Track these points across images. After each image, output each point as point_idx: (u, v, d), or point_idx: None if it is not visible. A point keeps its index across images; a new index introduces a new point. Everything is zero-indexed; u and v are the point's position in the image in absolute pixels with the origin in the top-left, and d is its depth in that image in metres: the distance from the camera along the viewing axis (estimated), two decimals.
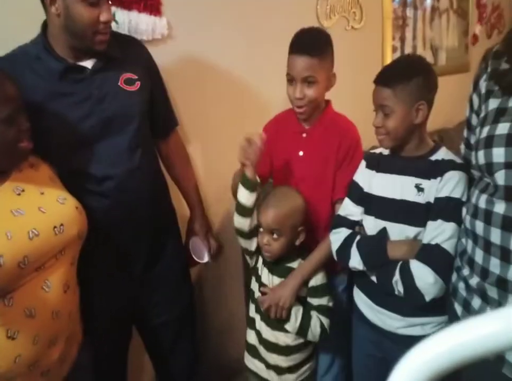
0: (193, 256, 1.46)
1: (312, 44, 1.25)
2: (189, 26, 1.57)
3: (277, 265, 1.31)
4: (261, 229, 1.27)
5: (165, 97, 1.37)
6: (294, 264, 1.29)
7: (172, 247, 1.38)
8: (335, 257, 1.22)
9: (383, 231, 1.12)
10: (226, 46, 1.68)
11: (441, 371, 0.33)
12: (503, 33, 3.46)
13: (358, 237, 1.16)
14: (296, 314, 1.24)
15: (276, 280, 1.30)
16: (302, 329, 1.24)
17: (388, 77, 1.09)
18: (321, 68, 1.25)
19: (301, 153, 1.36)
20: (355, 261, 1.14)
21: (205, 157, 1.67)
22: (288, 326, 1.25)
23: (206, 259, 1.47)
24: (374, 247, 1.11)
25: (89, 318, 1.17)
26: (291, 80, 1.27)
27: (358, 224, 1.21)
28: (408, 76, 1.06)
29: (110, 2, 1.12)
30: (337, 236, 1.20)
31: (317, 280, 1.28)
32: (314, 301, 1.28)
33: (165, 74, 1.36)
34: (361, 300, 1.25)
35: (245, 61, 1.75)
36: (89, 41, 1.08)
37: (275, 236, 1.24)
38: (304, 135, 1.36)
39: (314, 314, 1.26)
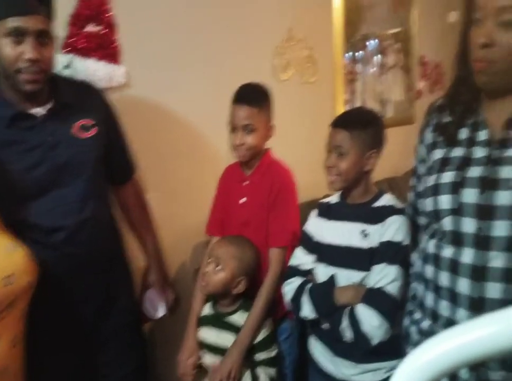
0: (147, 312, 1.42)
1: (252, 95, 1.37)
2: (147, 74, 1.62)
3: (217, 319, 1.34)
4: (209, 259, 1.32)
5: (124, 143, 1.39)
6: (234, 317, 1.32)
7: (125, 302, 1.33)
8: (288, 308, 1.25)
9: (331, 278, 1.17)
10: (184, 95, 1.75)
11: (442, 373, 0.34)
12: (444, 88, 3.81)
13: (309, 286, 1.20)
14: (246, 379, 1.27)
15: (214, 333, 1.33)
16: None
17: (346, 121, 1.19)
18: (259, 117, 1.36)
19: (243, 200, 1.44)
20: (307, 310, 1.17)
21: (163, 205, 1.68)
22: None
23: (160, 314, 1.44)
24: (323, 295, 1.16)
25: (33, 376, 1.11)
26: (233, 128, 1.37)
27: (310, 272, 1.25)
28: (364, 124, 1.17)
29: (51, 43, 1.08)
30: (290, 287, 1.24)
31: (261, 334, 1.31)
32: (260, 355, 1.30)
33: (123, 121, 1.40)
34: (317, 349, 1.27)
35: (203, 110, 1.82)
36: (14, 80, 1.05)
37: (218, 267, 1.29)
38: (245, 183, 1.45)
39: (261, 371, 1.28)
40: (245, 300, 1.35)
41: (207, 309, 1.40)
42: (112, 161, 1.31)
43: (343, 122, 1.19)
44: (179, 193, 1.75)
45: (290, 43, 2.19)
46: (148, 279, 1.45)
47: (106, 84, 1.48)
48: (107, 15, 1.49)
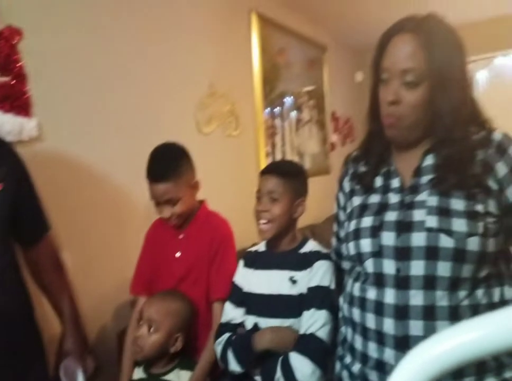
0: None
1: (165, 169, 1.33)
2: (61, 128, 1.57)
3: (153, 378, 1.27)
4: (141, 322, 1.26)
5: (35, 199, 1.30)
6: (170, 377, 1.27)
7: (37, 376, 1.19)
8: (221, 366, 1.22)
9: (254, 326, 1.17)
10: (101, 148, 1.71)
11: (441, 371, 0.34)
12: (355, 141, 4.15)
13: (233, 338, 1.18)
14: None
15: None
16: None
17: (278, 169, 1.24)
18: (179, 187, 1.34)
19: (178, 254, 1.41)
20: (233, 363, 1.15)
21: (80, 265, 1.58)
22: None
23: None
24: (242, 343, 1.15)
25: None
26: (157, 203, 1.36)
27: (241, 326, 1.23)
28: (294, 172, 1.23)
29: None
30: (220, 343, 1.21)
31: None
32: None
33: (36, 177, 1.32)
34: None
35: (122, 164, 1.78)
36: None
37: (151, 329, 1.24)
38: (180, 236, 1.43)
39: None
40: (181, 357, 1.30)
41: (138, 374, 1.32)
42: (22, 219, 1.22)
43: (275, 169, 1.23)
44: (98, 251, 1.66)
45: (212, 98, 2.26)
46: (65, 347, 1.32)
47: (15, 137, 1.40)
48: (16, 65, 1.44)
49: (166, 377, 1.27)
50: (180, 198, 1.35)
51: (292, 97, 3.15)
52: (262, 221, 1.20)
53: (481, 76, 4.01)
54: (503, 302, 0.89)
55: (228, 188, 2.23)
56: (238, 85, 2.49)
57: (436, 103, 0.87)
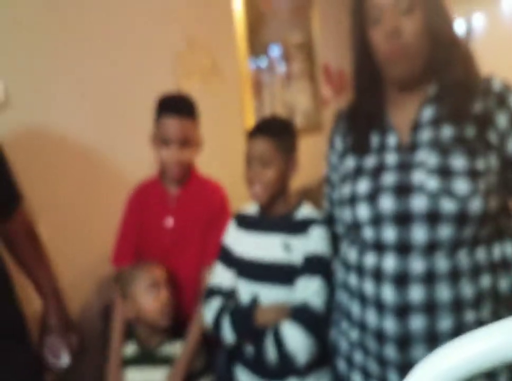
0: (49, 362, 1.30)
1: (189, 107, 1.36)
2: (31, 93, 1.51)
3: (146, 356, 1.31)
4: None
5: (5, 170, 1.27)
6: (167, 349, 1.30)
7: (20, 356, 1.20)
8: (210, 330, 1.23)
9: (253, 301, 1.17)
10: (72, 113, 1.65)
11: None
12: (349, 95, 4.08)
13: (230, 309, 1.19)
14: None
15: (146, 374, 1.29)
16: None
17: (266, 129, 1.20)
18: (195, 130, 1.36)
19: (170, 220, 1.39)
20: (228, 335, 1.16)
21: (58, 238, 1.56)
22: None
23: (64, 362, 1.32)
24: (244, 318, 1.15)
25: None
26: (165, 142, 1.33)
27: (231, 292, 1.24)
28: (283, 131, 1.20)
29: None
30: (210, 308, 1.22)
31: (197, 362, 1.30)
32: None
33: (5, 146, 1.28)
34: (245, 377, 1.25)
35: (95, 128, 1.73)
36: None
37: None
38: (172, 201, 1.40)
39: None
40: (174, 329, 1.33)
41: (131, 349, 1.34)
42: None
43: (263, 130, 1.20)
44: (76, 223, 1.64)
45: (191, 50, 2.19)
46: (47, 324, 1.33)
47: None
48: None
49: (162, 350, 1.28)
50: (191, 142, 1.34)
51: (279, 47, 3.06)
52: (255, 187, 1.18)
53: (478, 21, 3.94)
54: (503, 260, 0.90)
55: (213, 149, 2.19)
56: (219, 36, 2.40)
57: (434, 28, 0.87)
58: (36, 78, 1.54)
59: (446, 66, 0.89)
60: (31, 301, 1.37)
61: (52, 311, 1.33)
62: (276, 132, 1.18)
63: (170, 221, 1.39)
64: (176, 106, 1.35)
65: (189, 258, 1.37)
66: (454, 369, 0.35)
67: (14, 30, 1.47)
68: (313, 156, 2.39)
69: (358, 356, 0.98)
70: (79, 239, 1.61)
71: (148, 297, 1.29)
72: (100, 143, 1.74)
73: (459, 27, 3.87)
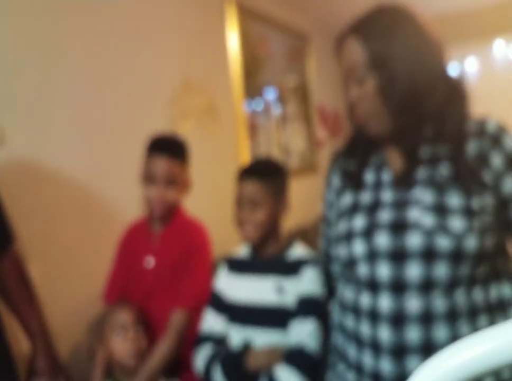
0: None
1: (176, 146, 1.40)
2: (25, 130, 1.53)
3: None
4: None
5: None
6: None
7: None
8: (200, 377, 1.21)
9: (246, 344, 1.17)
10: (66, 151, 1.67)
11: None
12: (344, 136, 4.16)
13: (221, 356, 1.17)
14: None
15: None
16: None
17: (256, 171, 1.23)
18: (181, 171, 1.38)
19: (151, 261, 1.41)
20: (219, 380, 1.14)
21: (49, 278, 1.55)
22: None
23: None
24: (235, 362, 1.14)
25: None
26: (149, 180, 1.35)
27: (223, 338, 1.23)
28: (273, 173, 1.23)
29: None
30: (201, 356, 1.20)
31: None
32: None
33: None
34: None
35: (89, 165, 1.75)
36: None
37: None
38: (155, 240, 1.42)
39: None
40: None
41: None
42: None
43: (253, 172, 1.23)
44: (67, 263, 1.63)
45: (188, 93, 2.25)
46: (35, 366, 1.31)
47: None
48: None
49: None
50: (177, 182, 1.37)
51: (275, 90, 3.15)
52: (246, 228, 1.20)
53: (471, 64, 4.08)
54: (500, 301, 0.90)
55: (208, 191, 2.22)
56: (215, 78, 2.48)
57: (386, 94, 0.90)
58: (31, 115, 1.57)
59: (439, 108, 0.91)
60: (19, 342, 1.35)
61: (40, 353, 1.31)
62: (265, 174, 1.22)
63: (151, 262, 1.41)
64: (165, 145, 1.39)
65: (170, 300, 1.37)
66: (453, 372, 0.35)
67: (8, 69, 1.51)
68: (308, 197, 2.42)
69: None
70: (69, 278, 1.59)
71: (116, 339, 1.34)
72: (93, 182, 1.75)
73: (453, 69, 4.00)
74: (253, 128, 2.86)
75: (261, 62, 2.97)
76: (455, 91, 0.93)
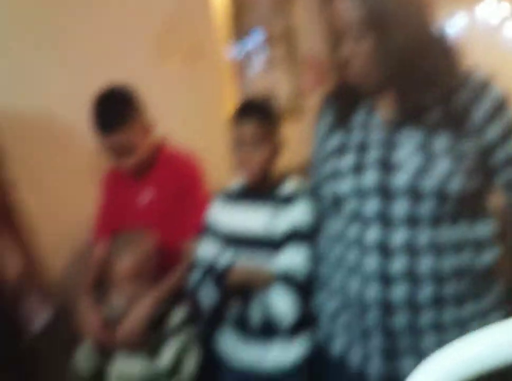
0: (24, 325, 1.35)
1: (112, 118, 1.33)
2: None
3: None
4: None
5: None
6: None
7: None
8: (191, 297, 1.32)
9: (231, 263, 1.23)
10: (48, 89, 1.65)
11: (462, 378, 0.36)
12: (331, 82, 4.13)
13: (209, 273, 1.25)
14: None
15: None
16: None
17: (252, 110, 1.23)
18: (131, 134, 1.36)
19: (144, 200, 1.46)
20: (207, 296, 1.23)
21: (43, 204, 1.62)
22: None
23: (40, 324, 1.38)
24: (217, 276, 1.22)
25: None
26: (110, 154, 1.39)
27: (215, 264, 1.29)
28: (269, 107, 1.26)
29: None
30: (193, 279, 1.29)
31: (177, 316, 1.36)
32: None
33: None
34: (232, 342, 1.30)
35: (73, 105, 1.67)
36: None
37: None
38: (144, 182, 1.47)
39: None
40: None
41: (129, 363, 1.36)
42: None
43: (249, 111, 1.23)
44: (62, 193, 1.69)
45: (171, 32, 2.22)
46: (22, 287, 1.37)
47: None
48: None
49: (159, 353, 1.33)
50: (135, 145, 1.37)
51: (263, 32, 3.13)
52: (248, 168, 1.22)
53: (459, 21, 4.09)
54: (483, 237, 0.97)
55: (191, 130, 2.26)
56: (200, 18, 2.43)
57: (382, 52, 0.91)
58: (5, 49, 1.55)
59: (433, 61, 0.92)
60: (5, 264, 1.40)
61: (27, 273, 1.37)
62: (264, 112, 1.23)
63: (144, 202, 1.46)
64: (101, 123, 1.34)
65: (169, 232, 1.42)
66: (458, 368, 0.35)
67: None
68: (292, 143, 2.45)
69: (342, 318, 1.05)
70: (64, 206, 1.67)
71: None
72: (79, 119, 1.70)
73: (445, 25, 4.01)
74: (239, 70, 2.86)
75: (248, 4, 2.93)
76: (446, 46, 0.95)
